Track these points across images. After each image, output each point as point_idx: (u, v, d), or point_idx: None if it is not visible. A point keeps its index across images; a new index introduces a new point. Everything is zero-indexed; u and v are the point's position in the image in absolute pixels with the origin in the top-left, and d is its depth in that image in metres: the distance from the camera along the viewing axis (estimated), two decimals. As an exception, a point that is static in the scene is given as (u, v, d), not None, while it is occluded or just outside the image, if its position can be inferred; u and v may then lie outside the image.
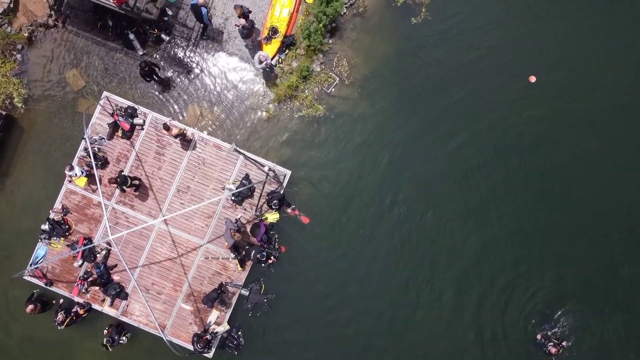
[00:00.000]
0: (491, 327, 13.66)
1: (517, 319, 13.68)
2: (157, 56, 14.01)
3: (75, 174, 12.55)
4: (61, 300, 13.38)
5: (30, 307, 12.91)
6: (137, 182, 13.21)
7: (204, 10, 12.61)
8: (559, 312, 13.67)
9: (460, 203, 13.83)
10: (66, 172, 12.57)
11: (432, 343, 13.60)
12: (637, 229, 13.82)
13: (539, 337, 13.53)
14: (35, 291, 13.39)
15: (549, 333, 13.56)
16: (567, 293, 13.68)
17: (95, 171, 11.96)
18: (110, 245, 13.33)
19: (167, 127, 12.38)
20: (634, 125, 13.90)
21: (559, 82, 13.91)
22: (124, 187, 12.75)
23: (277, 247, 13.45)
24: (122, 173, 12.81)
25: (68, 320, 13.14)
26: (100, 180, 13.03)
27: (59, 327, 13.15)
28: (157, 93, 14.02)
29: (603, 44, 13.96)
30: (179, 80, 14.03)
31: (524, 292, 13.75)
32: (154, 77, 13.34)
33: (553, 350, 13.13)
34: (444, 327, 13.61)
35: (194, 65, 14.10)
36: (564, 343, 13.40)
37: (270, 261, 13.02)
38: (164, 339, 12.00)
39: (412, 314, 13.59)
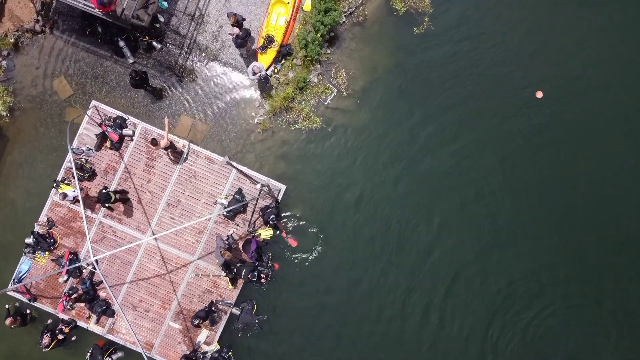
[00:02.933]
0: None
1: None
2: (149, 64, 13.47)
3: (70, 199, 12.07)
4: (49, 321, 12.89)
5: (9, 320, 12.43)
6: (124, 195, 12.72)
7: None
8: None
9: (458, 220, 13.33)
10: (59, 200, 12.07)
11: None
12: None
13: None
14: (7, 306, 12.79)
15: None
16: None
17: (77, 186, 11.38)
18: (98, 262, 12.82)
19: (154, 142, 11.86)
20: None
21: (565, 95, 13.38)
22: (107, 205, 12.25)
23: (270, 264, 12.96)
24: (104, 190, 12.26)
25: (54, 343, 12.66)
26: (86, 194, 12.55)
27: (44, 350, 12.67)
28: (147, 103, 13.50)
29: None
30: (170, 89, 13.50)
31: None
32: (145, 86, 12.83)
33: None
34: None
35: (187, 74, 13.57)
36: None
37: (262, 280, 12.55)
38: (156, 354, 11.52)
39: (415, 340, 13.09)
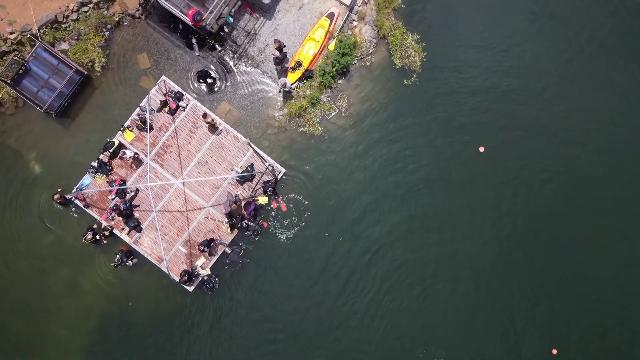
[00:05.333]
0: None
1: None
2: (208, 59, 18.31)
3: (127, 158, 17.23)
4: (94, 225, 17.67)
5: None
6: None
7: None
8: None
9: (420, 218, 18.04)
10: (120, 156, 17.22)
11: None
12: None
13: None
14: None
15: None
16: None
17: (148, 133, 16.22)
18: (138, 191, 17.69)
19: (205, 116, 16.75)
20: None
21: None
22: (111, 150, 17.32)
23: (260, 223, 17.78)
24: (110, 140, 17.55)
25: (93, 239, 17.47)
26: (143, 143, 17.39)
27: (83, 241, 17.50)
28: (201, 87, 18.34)
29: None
30: (219, 81, 18.32)
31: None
32: (206, 82, 17.67)
33: None
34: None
35: (234, 72, 18.41)
36: None
37: (249, 230, 17.34)
38: (164, 266, 16.28)
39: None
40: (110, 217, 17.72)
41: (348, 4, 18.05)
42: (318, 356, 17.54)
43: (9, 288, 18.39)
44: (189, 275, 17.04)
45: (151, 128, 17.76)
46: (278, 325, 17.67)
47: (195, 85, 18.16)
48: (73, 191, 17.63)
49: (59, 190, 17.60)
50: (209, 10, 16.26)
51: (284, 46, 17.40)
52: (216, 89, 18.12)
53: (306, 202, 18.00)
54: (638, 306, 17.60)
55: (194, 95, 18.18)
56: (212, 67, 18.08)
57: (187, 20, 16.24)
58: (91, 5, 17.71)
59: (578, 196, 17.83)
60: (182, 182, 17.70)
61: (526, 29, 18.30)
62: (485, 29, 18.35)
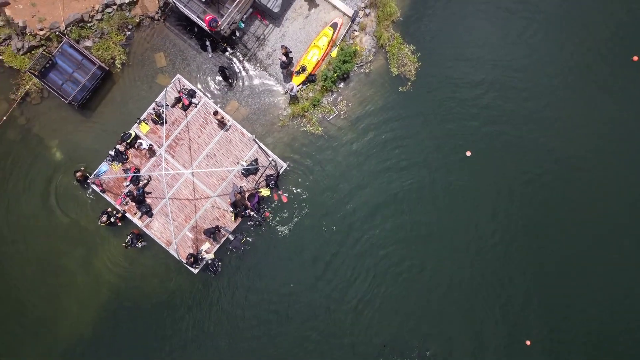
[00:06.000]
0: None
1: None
2: (220, 61, 19.88)
3: (144, 148, 18.79)
4: (109, 209, 19.19)
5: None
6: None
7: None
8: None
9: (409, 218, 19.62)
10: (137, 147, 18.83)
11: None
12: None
13: None
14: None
15: None
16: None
17: (163, 126, 17.78)
18: (151, 179, 19.24)
19: (215, 113, 18.32)
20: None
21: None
22: (129, 141, 18.86)
23: (262, 214, 19.32)
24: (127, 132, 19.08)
25: (107, 222, 19.00)
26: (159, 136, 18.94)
27: (99, 223, 19.04)
28: (213, 86, 19.91)
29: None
30: (230, 80, 19.87)
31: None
32: (226, 78, 19.27)
33: None
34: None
35: (244, 74, 19.98)
36: None
37: (251, 222, 18.89)
38: (172, 249, 17.80)
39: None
40: (124, 202, 19.25)
41: (351, 15, 19.65)
42: (309, 336, 19.03)
43: (26, 265, 19.90)
44: (195, 258, 18.55)
45: (165, 122, 19.28)
46: (273, 307, 19.19)
47: (218, 78, 19.73)
48: (91, 177, 19.15)
49: (82, 168, 19.10)
50: (223, 18, 17.82)
51: (290, 52, 18.98)
52: (233, 84, 19.62)
53: (304, 196, 19.54)
54: (607, 300, 19.03)
55: (208, 94, 19.74)
56: (230, 66, 19.63)
57: (204, 25, 17.81)
58: (115, 7, 19.28)
59: (556, 196, 19.32)
60: (191, 172, 19.25)
61: (514, 44, 19.88)
62: (476, 44, 19.92)
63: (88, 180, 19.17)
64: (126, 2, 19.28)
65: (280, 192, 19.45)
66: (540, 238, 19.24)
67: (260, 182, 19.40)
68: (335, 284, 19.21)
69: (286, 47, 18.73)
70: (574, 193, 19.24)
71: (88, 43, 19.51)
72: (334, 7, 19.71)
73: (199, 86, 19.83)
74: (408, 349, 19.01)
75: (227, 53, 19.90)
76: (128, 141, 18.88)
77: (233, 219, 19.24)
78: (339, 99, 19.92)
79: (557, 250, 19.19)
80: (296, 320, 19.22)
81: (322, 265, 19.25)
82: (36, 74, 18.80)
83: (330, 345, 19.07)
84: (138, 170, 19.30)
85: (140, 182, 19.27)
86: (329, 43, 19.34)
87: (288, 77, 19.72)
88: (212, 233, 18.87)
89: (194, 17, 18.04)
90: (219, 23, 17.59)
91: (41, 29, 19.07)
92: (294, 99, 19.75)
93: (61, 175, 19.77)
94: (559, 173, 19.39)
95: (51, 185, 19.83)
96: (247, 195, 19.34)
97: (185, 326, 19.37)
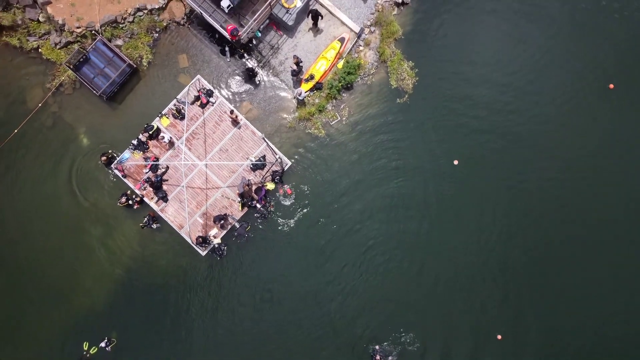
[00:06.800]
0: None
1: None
2: (237, 65, 21.99)
3: (165, 141, 20.66)
4: (128, 191, 21.21)
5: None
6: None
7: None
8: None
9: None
10: (159, 140, 20.72)
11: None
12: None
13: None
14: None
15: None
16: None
17: (183, 121, 19.85)
18: (168, 168, 21.27)
19: (231, 112, 20.42)
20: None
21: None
22: (150, 132, 20.86)
23: (268, 208, 21.35)
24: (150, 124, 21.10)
25: (126, 203, 21.01)
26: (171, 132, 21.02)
27: (118, 204, 21.05)
28: (230, 87, 22.01)
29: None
30: (244, 83, 21.98)
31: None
32: (252, 78, 21.34)
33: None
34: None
35: (257, 77, 22.07)
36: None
37: (257, 215, 20.93)
38: (184, 231, 19.82)
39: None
40: (142, 187, 21.27)
41: (357, 31, 21.81)
42: (301, 318, 20.99)
43: (47, 241, 21.79)
44: (204, 239, 20.57)
45: (184, 117, 21.36)
46: (269, 286, 21.16)
47: (237, 78, 21.92)
48: (114, 162, 21.18)
49: (109, 151, 21.15)
50: (244, 28, 19.95)
51: (301, 61, 21.10)
52: (258, 82, 21.77)
53: (306, 191, 21.58)
54: (576, 298, 21.02)
55: (224, 94, 21.84)
56: (256, 69, 21.71)
57: (226, 34, 19.93)
58: (145, 11, 21.41)
59: (533, 202, 21.44)
60: (205, 164, 21.31)
61: (505, 66, 22.06)
62: (469, 64, 22.06)
63: (111, 166, 21.19)
64: (156, 7, 21.41)
65: (285, 186, 21.51)
66: (515, 240, 21.31)
67: (266, 177, 21.44)
68: (326, 272, 21.24)
69: (297, 57, 20.86)
70: (549, 201, 21.38)
71: (119, 42, 21.61)
72: (343, 23, 21.88)
73: (216, 86, 21.91)
74: (385, 334, 20.92)
75: (243, 59, 22.01)
76: (150, 132, 20.91)
77: (240, 209, 21.26)
78: (342, 106, 22.03)
79: (529, 253, 21.28)
80: (288, 302, 21.17)
81: (318, 255, 21.28)
82: (71, 67, 20.88)
83: (315, 326, 21.03)
84: (157, 159, 21.34)
85: (159, 170, 21.29)
86: (336, 55, 21.49)
87: (297, 83, 21.82)
88: (221, 220, 20.88)
89: (217, 25, 20.15)
90: (240, 33, 19.70)
91: (78, 27, 21.17)
92: (301, 103, 21.85)
93: (85, 159, 21.75)
94: (537, 183, 21.50)
95: (74, 167, 21.78)
96: (254, 188, 21.37)
97: (188, 302, 21.26)
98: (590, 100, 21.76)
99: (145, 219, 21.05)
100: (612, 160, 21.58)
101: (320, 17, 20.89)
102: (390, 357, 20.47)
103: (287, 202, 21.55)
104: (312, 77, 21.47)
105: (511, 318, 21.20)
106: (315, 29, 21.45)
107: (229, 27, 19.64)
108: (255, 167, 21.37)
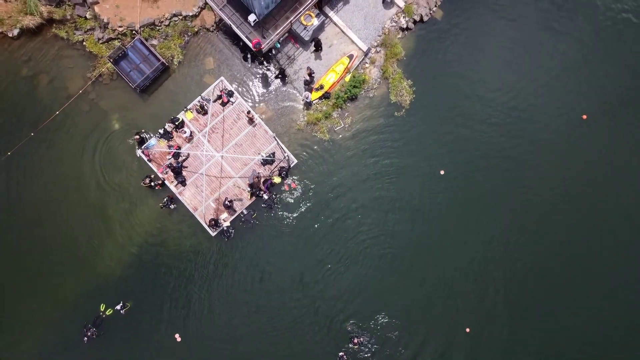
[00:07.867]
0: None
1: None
2: (257, 70, 24.84)
3: (186, 135, 23.51)
4: (152, 175, 24.07)
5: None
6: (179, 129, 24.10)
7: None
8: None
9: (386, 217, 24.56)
10: (181, 134, 23.55)
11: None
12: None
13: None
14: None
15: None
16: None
17: (207, 116, 22.73)
18: (189, 156, 24.14)
19: (248, 112, 23.30)
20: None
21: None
22: (176, 123, 23.61)
23: (274, 200, 24.20)
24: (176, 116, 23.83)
25: (149, 184, 23.87)
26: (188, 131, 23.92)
27: (141, 184, 23.91)
28: (249, 89, 24.87)
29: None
30: (262, 88, 24.85)
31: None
32: (283, 79, 24.20)
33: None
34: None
35: (273, 83, 24.94)
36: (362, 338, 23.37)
37: (264, 205, 23.81)
38: (198, 213, 22.70)
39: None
40: (164, 172, 24.12)
41: (365, 50, 24.69)
42: (295, 299, 23.86)
43: (76, 210, 24.57)
44: (215, 222, 23.45)
45: (207, 113, 24.21)
46: (268, 267, 23.98)
47: (265, 79, 24.87)
48: (142, 147, 24.06)
49: (142, 130, 23.93)
50: (266, 42, 22.81)
51: (314, 73, 23.97)
52: (273, 87, 24.63)
53: (309, 186, 24.45)
54: (548, 294, 23.84)
55: (244, 96, 24.72)
56: (285, 72, 24.49)
57: (250, 45, 22.81)
58: (180, 17, 24.28)
59: (517, 207, 24.38)
60: (221, 155, 24.18)
61: (496, 90, 24.94)
62: (463, 83, 24.92)
63: (138, 150, 24.02)
64: (190, 14, 24.29)
65: (290, 180, 24.39)
66: (498, 241, 24.18)
67: (274, 172, 24.30)
68: (320, 258, 24.13)
69: (311, 69, 23.73)
70: (529, 211, 24.34)
71: (154, 42, 24.47)
72: (352, 42, 24.75)
73: (237, 88, 24.78)
74: (366, 315, 23.76)
75: (263, 66, 24.87)
76: (176, 123, 23.76)
77: (249, 197, 24.13)
78: (346, 114, 24.89)
79: (506, 256, 24.15)
80: (282, 284, 24.02)
81: (314, 245, 24.16)
82: (111, 60, 23.72)
83: (303, 305, 23.83)
84: (179, 148, 24.19)
85: (180, 158, 24.14)
86: (345, 70, 24.35)
87: (308, 92, 24.67)
88: (231, 205, 23.73)
89: (243, 37, 23.02)
90: (262, 46, 22.57)
91: (120, 26, 24.03)
92: (309, 107, 24.72)
93: (115, 141, 24.55)
94: (517, 196, 24.42)
95: (105, 147, 24.53)
96: (262, 180, 24.24)
97: (196, 275, 24.12)
98: (566, 131, 24.65)
99: (165, 199, 23.90)
100: (603, 172, 24.27)
101: (320, 48, 24.03)
102: (362, 337, 23.24)
103: (291, 196, 24.41)
104: (321, 87, 24.33)
105: (483, 313, 23.96)
106: (317, 54, 24.33)
107: (254, 41, 22.50)
108: (265, 162, 24.23)
